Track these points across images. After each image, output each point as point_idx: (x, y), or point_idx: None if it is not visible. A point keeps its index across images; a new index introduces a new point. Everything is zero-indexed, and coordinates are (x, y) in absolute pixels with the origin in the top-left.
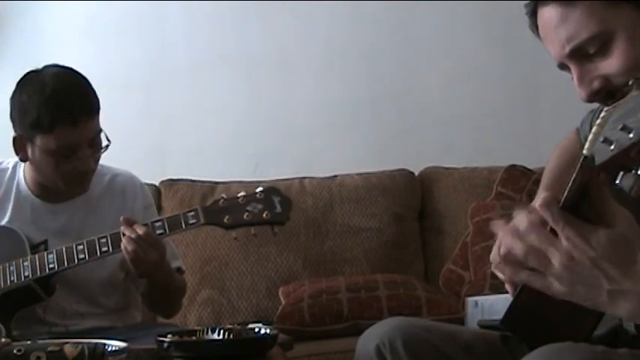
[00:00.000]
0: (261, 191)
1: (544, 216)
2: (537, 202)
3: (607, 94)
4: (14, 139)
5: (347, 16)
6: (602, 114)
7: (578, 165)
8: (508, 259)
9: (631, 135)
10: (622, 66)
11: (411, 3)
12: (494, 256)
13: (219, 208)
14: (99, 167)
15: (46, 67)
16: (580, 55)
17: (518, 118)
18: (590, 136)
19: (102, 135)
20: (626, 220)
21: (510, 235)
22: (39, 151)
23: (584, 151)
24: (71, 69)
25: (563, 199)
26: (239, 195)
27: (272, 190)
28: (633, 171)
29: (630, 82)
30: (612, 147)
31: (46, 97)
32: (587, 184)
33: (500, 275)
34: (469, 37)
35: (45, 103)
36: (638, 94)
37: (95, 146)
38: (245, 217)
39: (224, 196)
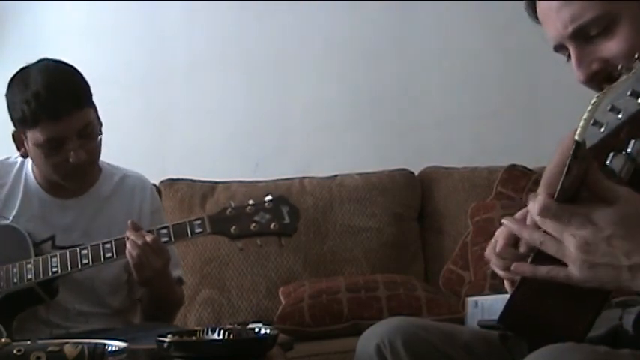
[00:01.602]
0: (269, 200)
1: (546, 222)
2: (534, 210)
3: (605, 77)
4: (13, 135)
5: (347, 16)
6: (593, 100)
7: (571, 152)
8: (502, 255)
9: (620, 115)
10: (623, 49)
11: (410, 3)
12: (489, 253)
13: (226, 217)
14: (109, 167)
15: (38, 61)
16: (581, 36)
17: (518, 118)
18: (582, 122)
19: (98, 126)
20: (626, 195)
21: (526, 227)
22: (31, 145)
23: (576, 137)
24: (62, 62)
25: (559, 189)
26: (247, 204)
27: (281, 199)
28: (623, 152)
29: (619, 67)
30: (602, 129)
31: (28, 94)
32: (584, 172)
33: (499, 272)
34: (469, 37)
35: (27, 99)
36: (626, 78)
37: (87, 138)
38: (252, 227)
39: (232, 203)
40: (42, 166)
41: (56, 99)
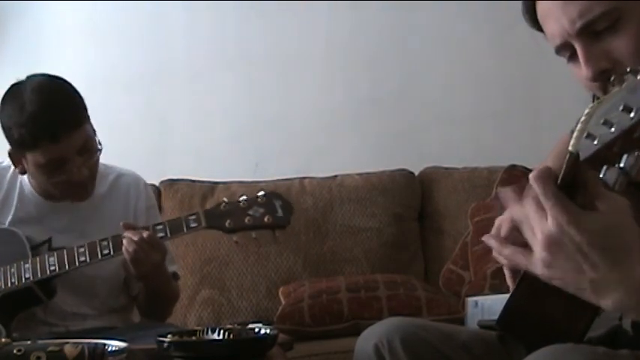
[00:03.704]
0: (262, 195)
1: (535, 189)
2: (532, 173)
3: (611, 77)
4: (9, 153)
5: (347, 17)
6: (586, 111)
7: (565, 162)
8: (509, 240)
9: (612, 129)
10: (632, 47)
11: (411, 3)
12: (492, 238)
13: (220, 211)
14: (103, 167)
15: (29, 77)
16: (589, 33)
17: (519, 118)
18: (576, 133)
19: (96, 139)
20: (617, 207)
21: (516, 202)
22: (30, 165)
23: (570, 148)
24: (54, 78)
25: (561, 176)
26: (240, 199)
27: (274, 194)
28: (616, 165)
29: (612, 78)
30: (596, 142)
31: (25, 118)
32: (579, 181)
33: (501, 260)
34: (469, 37)
35: (24, 123)
36: (618, 90)
37: (87, 153)
38: (246, 221)
39: (225, 199)
40: (42, 184)
41: (54, 121)
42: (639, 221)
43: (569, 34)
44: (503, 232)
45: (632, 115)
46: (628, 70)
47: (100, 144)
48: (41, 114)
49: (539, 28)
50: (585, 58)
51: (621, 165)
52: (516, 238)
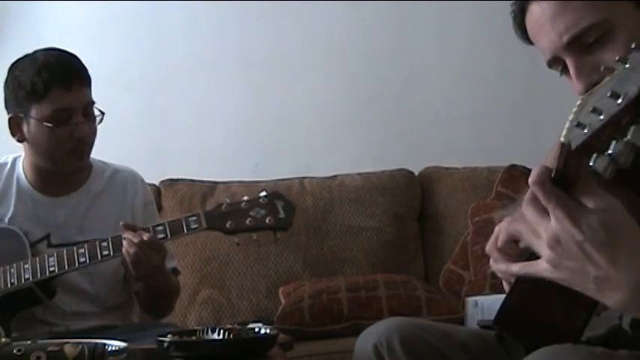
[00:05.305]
0: (264, 196)
1: (536, 193)
2: (531, 177)
3: None
4: (9, 120)
5: (347, 17)
6: (578, 102)
7: (558, 154)
8: (504, 250)
9: (601, 116)
10: None
11: (411, 3)
12: (490, 248)
13: (221, 212)
14: (100, 163)
15: (36, 50)
16: (578, 46)
17: (518, 118)
18: (567, 124)
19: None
20: (614, 207)
21: (514, 221)
22: (34, 123)
23: (561, 139)
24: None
25: (555, 172)
26: (242, 200)
27: (276, 194)
28: (606, 152)
29: (602, 69)
30: (585, 130)
31: (38, 66)
32: (572, 173)
33: (496, 270)
34: (469, 37)
35: (38, 71)
36: (609, 79)
37: (90, 117)
38: (248, 222)
39: (227, 200)
40: (45, 146)
41: (67, 69)
42: (632, 212)
43: (557, 48)
44: (500, 242)
45: (619, 100)
46: (617, 58)
47: (101, 111)
48: (55, 62)
49: (532, 43)
50: (576, 73)
51: (610, 152)
52: (512, 249)
